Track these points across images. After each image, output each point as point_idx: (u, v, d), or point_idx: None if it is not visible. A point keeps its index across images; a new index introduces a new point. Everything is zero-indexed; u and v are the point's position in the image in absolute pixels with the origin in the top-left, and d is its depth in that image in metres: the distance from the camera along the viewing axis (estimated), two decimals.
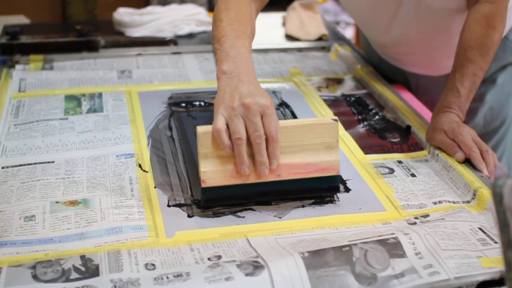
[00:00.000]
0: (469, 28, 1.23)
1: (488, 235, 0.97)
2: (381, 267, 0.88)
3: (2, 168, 1.14)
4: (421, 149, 1.27)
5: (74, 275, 0.87)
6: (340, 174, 1.16)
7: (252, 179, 1.03)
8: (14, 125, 1.29)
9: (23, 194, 1.05)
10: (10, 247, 0.93)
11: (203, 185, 1.02)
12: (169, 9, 1.88)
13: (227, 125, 1.00)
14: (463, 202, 1.09)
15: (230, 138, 1.01)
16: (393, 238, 0.93)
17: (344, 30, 3.18)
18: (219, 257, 0.91)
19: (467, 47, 1.23)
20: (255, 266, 0.87)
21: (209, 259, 0.91)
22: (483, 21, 1.22)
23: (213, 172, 1.02)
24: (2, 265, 0.88)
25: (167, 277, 0.85)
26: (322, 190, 1.08)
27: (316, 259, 0.88)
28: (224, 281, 0.84)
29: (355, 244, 0.91)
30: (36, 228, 0.97)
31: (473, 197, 1.09)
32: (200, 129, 1.02)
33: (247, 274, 0.85)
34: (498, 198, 0.64)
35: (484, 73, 1.24)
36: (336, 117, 1.13)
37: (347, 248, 0.90)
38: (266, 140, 1.01)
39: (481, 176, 1.13)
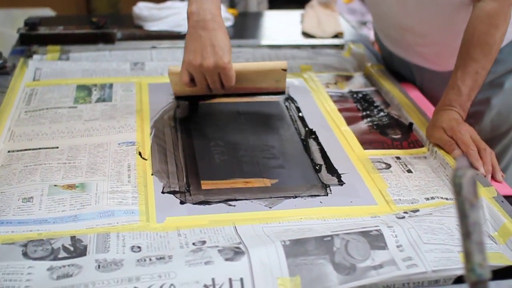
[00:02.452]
0: (471, 26, 1.23)
1: None
2: (361, 258, 0.90)
3: (8, 152, 1.18)
4: (421, 146, 1.27)
5: (62, 254, 0.90)
6: (336, 168, 1.18)
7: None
8: (25, 112, 1.33)
9: (24, 177, 1.09)
10: (6, 226, 0.97)
11: (175, 95, 1.37)
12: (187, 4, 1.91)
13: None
14: None
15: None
16: (376, 230, 0.94)
17: (370, 31, 3.18)
18: (204, 242, 0.93)
19: (469, 45, 1.23)
20: (235, 252, 0.89)
21: (193, 244, 0.93)
22: (485, 19, 1.21)
23: (180, 91, 1.34)
24: None
25: (150, 259, 0.88)
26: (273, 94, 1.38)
27: (296, 247, 0.90)
28: (203, 265, 0.86)
29: (337, 235, 0.93)
30: (33, 209, 1.01)
31: None
32: (171, 68, 1.33)
33: (226, 259, 0.87)
34: (457, 189, 0.65)
35: (486, 72, 1.24)
36: (286, 66, 1.33)
37: (329, 238, 0.92)
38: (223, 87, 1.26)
39: (477, 174, 1.14)
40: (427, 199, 1.10)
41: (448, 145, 1.19)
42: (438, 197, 1.10)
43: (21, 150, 1.18)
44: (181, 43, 1.72)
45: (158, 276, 0.84)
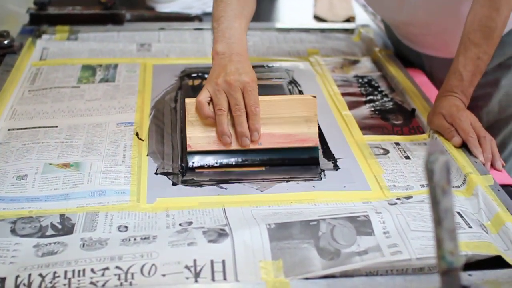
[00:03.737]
0: (472, 11, 1.21)
1: (464, 220, 0.96)
2: (346, 243, 0.89)
3: (8, 130, 1.20)
4: (422, 132, 1.26)
5: (50, 231, 0.91)
6: (333, 153, 1.17)
7: (234, 147, 1.12)
8: (29, 91, 1.35)
9: (21, 155, 1.11)
10: None
11: (188, 149, 1.11)
12: None
13: (211, 98, 1.11)
14: (453, 187, 1.08)
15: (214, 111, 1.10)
16: (364, 216, 0.93)
17: None
18: (190, 223, 0.94)
19: (470, 30, 1.21)
20: (219, 234, 0.89)
21: (180, 224, 0.93)
22: (486, 2, 1.19)
23: (198, 138, 1.11)
24: None
25: (135, 239, 0.89)
26: (302, 161, 1.14)
27: (281, 231, 0.89)
28: (186, 246, 0.86)
29: (323, 219, 0.92)
30: (26, 187, 1.02)
31: (463, 182, 1.08)
32: (188, 100, 1.13)
33: (210, 241, 0.87)
34: (429, 174, 0.64)
35: (489, 57, 1.21)
36: (315, 95, 1.17)
37: (315, 222, 0.91)
38: (247, 114, 1.10)
39: (475, 162, 1.12)
40: (422, 186, 1.08)
41: (448, 132, 1.18)
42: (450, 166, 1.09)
43: (20, 129, 1.20)
44: (189, 24, 1.74)
45: (140, 255, 0.85)
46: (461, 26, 1.26)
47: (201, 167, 1.11)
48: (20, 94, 1.33)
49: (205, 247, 0.86)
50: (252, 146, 1.12)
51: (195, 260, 0.84)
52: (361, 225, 0.92)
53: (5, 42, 1.46)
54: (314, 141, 1.14)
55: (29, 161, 1.09)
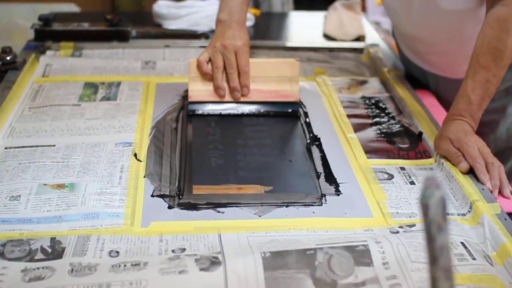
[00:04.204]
0: (482, 33, 1.18)
1: (468, 251, 0.93)
2: (344, 274, 0.86)
3: (5, 148, 1.18)
4: (429, 156, 1.23)
5: (39, 255, 0.89)
6: (336, 177, 1.14)
7: (227, 99, 1.35)
8: (29, 108, 1.33)
9: (16, 174, 1.09)
10: None
11: (189, 100, 1.34)
12: (208, 3, 1.89)
13: (210, 59, 1.35)
14: (458, 215, 1.05)
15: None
16: (363, 245, 0.90)
17: None
18: (183, 249, 0.91)
19: (479, 52, 1.17)
20: (212, 262, 0.86)
21: (173, 251, 0.91)
22: (495, 24, 1.16)
23: (198, 91, 1.35)
24: None
25: (125, 265, 0.86)
26: (285, 113, 1.36)
27: (276, 260, 0.86)
28: (177, 274, 0.84)
29: (321, 248, 0.89)
30: (19, 208, 1.00)
31: (469, 210, 1.05)
32: (191, 59, 1.36)
33: (201, 269, 0.85)
34: (424, 209, 0.61)
35: (498, 80, 1.18)
36: (298, 58, 1.39)
37: (312, 251, 0.88)
38: (239, 72, 1.34)
39: (482, 189, 1.09)
40: None
41: (454, 157, 1.14)
42: (446, 202, 1.05)
43: (18, 147, 1.18)
44: (195, 42, 1.72)
45: (129, 283, 0.82)
46: (466, 48, 1.23)
47: (201, 115, 1.33)
48: (20, 112, 1.31)
49: (196, 276, 0.83)
50: (242, 99, 1.35)
51: None
52: (360, 255, 0.89)
53: (8, 58, 1.45)
54: (296, 97, 1.37)
55: (24, 181, 1.06)
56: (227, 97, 1.35)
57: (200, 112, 1.34)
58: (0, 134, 1.22)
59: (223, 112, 1.35)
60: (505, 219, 1.02)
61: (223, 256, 0.87)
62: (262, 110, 1.35)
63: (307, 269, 0.86)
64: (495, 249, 0.96)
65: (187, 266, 0.85)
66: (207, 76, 1.35)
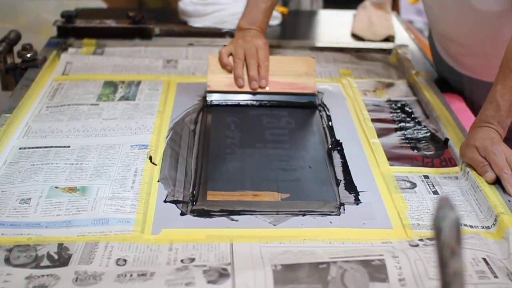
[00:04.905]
0: None
1: (490, 268, 0.88)
2: None
3: (20, 149, 1.16)
4: (455, 165, 1.18)
5: (45, 262, 0.87)
6: (356, 185, 1.10)
7: (246, 89, 1.38)
8: (47, 107, 1.31)
9: (28, 176, 1.07)
10: None
11: (208, 89, 1.37)
12: (234, 1, 1.85)
13: (231, 54, 1.40)
14: (482, 228, 1.00)
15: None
16: (379, 260, 0.86)
17: None
18: (193, 260, 0.88)
19: (510, 57, 1.12)
20: (220, 274, 0.83)
21: (182, 261, 0.88)
22: None
23: (216, 81, 1.38)
24: None
25: (131, 275, 0.83)
26: (301, 104, 1.38)
27: (287, 273, 0.83)
28: (184, 286, 0.81)
29: (334, 262, 0.85)
30: (28, 211, 0.98)
31: (494, 223, 1.00)
32: (211, 55, 1.42)
33: (209, 282, 0.82)
34: (437, 232, 0.57)
35: None
36: (313, 56, 1.45)
37: (325, 265, 0.85)
38: (258, 65, 1.39)
39: (509, 201, 1.04)
40: None
41: (480, 166, 1.10)
42: (461, 225, 1.01)
43: (32, 148, 1.16)
44: (219, 41, 1.68)
45: None
46: (502, 51, 1.18)
47: (218, 105, 1.36)
48: (38, 111, 1.30)
49: None
50: (260, 90, 1.38)
51: None
52: (375, 270, 0.85)
53: (28, 55, 1.44)
54: (313, 89, 1.39)
55: (35, 184, 1.05)
56: (246, 88, 1.38)
57: (217, 102, 1.36)
58: (16, 134, 1.21)
59: (241, 103, 1.38)
60: None
61: (233, 268, 0.84)
62: (279, 100, 1.38)
63: (319, 284, 0.82)
64: None
65: (194, 278, 0.82)
66: (227, 68, 1.39)
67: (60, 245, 0.90)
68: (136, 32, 1.63)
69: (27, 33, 1.69)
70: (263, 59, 1.39)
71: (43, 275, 0.84)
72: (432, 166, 1.18)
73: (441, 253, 0.57)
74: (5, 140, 1.17)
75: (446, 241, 0.56)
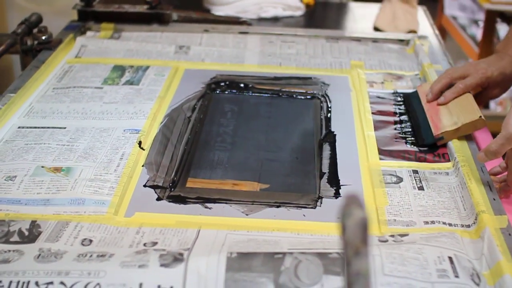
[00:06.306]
0: None
1: (453, 267, 0.86)
2: (309, 282, 0.82)
3: (18, 128, 1.20)
4: (448, 160, 1.15)
5: (15, 238, 0.90)
6: (339, 179, 1.09)
7: None
8: (53, 88, 1.35)
9: (18, 155, 1.10)
10: None
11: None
12: None
13: None
14: (462, 226, 0.98)
15: None
16: (336, 253, 0.86)
17: (479, 30, 2.93)
18: (155, 243, 0.90)
19: None
20: (175, 258, 0.84)
21: (144, 244, 0.90)
22: None
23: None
24: None
25: (90, 256, 0.85)
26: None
27: (241, 261, 0.83)
28: (136, 268, 0.82)
29: (291, 253, 0.85)
30: (11, 188, 1.02)
31: (475, 221, 0.98)
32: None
33: (162, 265, 0.83)
34: (341, 230, 0.57)
35: None
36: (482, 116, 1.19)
37: (280, 255, 0.85)
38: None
39: (494, 199, 1.01)
40: (426, 222, 0.99)
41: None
42: (439, 222, 0.99)
43: (30, 127, 1.20)
44: (235, 28, 1.69)
45: (88, 273, 0.81)
46: None
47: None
48: (44, 92, 1.34)
49: (155, 271, 0.82)
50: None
51: (141, 284, 0.80)
52: (331, 263, 0.84)
53: (43, 37, 1.48)
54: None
55: (24, 162, 1.08)
56: None
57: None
58: (18, 113, 1.25)
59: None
60: (510, 234, 0.94)
61: (189, 254, 0.85)
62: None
63: (271, 273, 0.82)
64: (490, 267, 0.89)
65: (149, 260, 0.84)
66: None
67: (33, 222, 0.93)
68: (153, 17, 1.66)
69: (60, 17, 1.73)
70: (463, 85, 1.25)
71: (9, 250, 0.87)
72: (425, 160, 1.16)
73: (344, 252, 0.57)
74: (5, 119, 1.22)
75: (349, 240, 0.56)
